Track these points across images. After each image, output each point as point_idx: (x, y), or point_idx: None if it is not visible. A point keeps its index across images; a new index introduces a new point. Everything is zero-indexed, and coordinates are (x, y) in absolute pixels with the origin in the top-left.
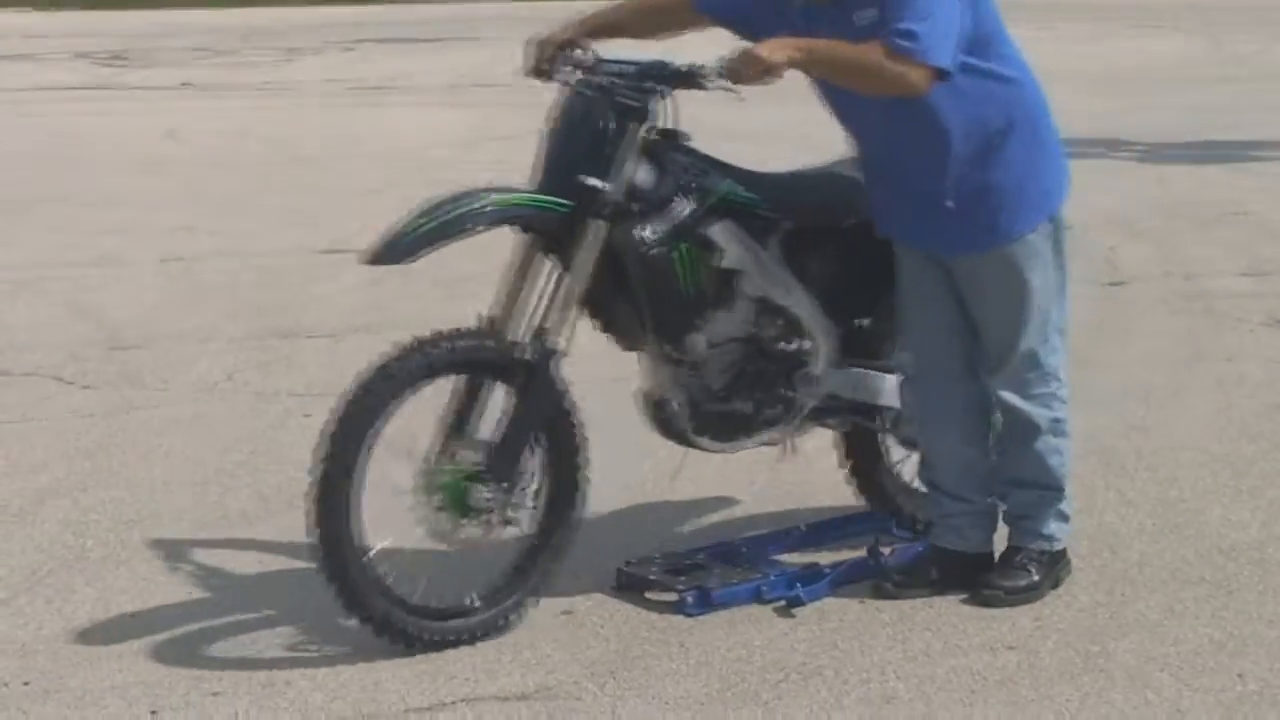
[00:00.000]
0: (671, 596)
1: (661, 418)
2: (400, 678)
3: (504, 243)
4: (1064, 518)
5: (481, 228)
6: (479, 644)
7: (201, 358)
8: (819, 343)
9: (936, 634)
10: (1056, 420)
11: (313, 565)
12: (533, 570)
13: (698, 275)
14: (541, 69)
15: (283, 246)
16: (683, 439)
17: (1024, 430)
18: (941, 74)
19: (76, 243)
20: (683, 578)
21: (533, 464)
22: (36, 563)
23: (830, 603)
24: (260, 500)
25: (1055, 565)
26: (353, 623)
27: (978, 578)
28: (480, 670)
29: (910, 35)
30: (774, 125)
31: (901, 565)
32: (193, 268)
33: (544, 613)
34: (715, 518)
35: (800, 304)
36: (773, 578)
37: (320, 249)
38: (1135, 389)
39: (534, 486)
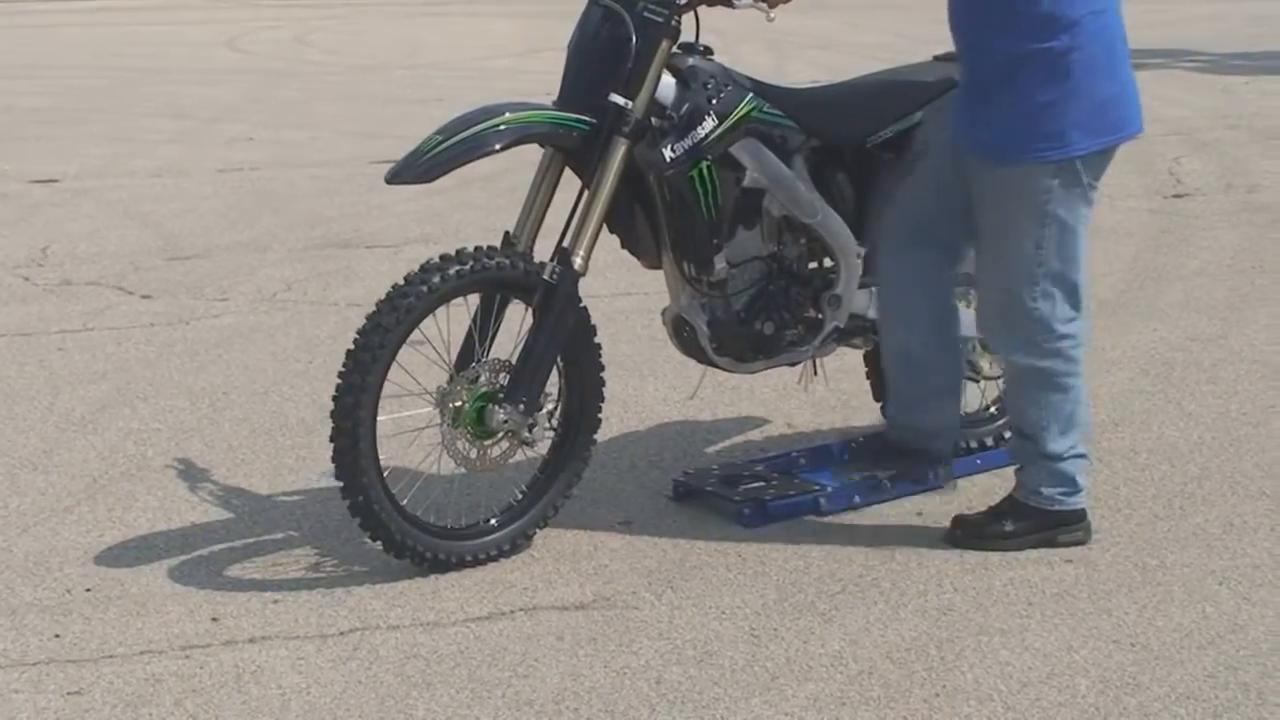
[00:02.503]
0: (729, 508)
1: (683, 337)
2: (460, 587)
3: None
4: (1062, 481)
5: (500, 146)
6: (537, 554)
7: (261, 268)
8: (844, 262)
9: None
10: (1039, 370)
11: None
12: (549, 490)
13: (720, 194)
14: None
15: (341, 157)
16: (704, 359)
17: (1006, 369)
18: None
19: (137, 153)
20: (740, 489)
21: (552, 385)
22: (98, 471)
23: (887, 515)
24: (319, 410)
25: (1048, 525)
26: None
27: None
28: (539, 580)
29: None
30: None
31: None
32: (252, 178)
33: (602, 523)
34: (772, 431)
35: (825, 223)
36: (831, 490)
37: (379, 159)
38: (1196, 301)
39: (551, 407)
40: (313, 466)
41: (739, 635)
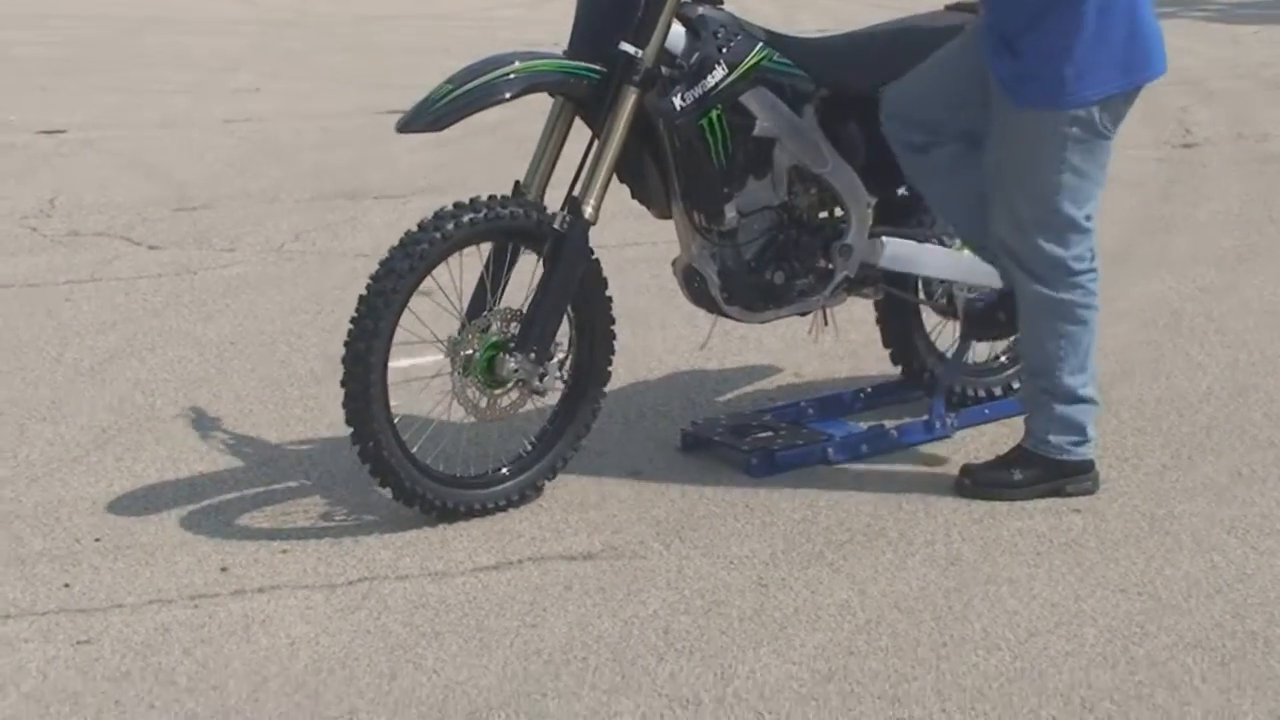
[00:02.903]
0: (737, 458)
1: (693, 287)
2: (468, 536)
3: None
4: (1071, 429)
5: (509, 95)
6: (545, 504)
7: (268, 218)
8: (854, 212)
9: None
10: (1057, 301)
11: None
12: (560, 441)
13: (730, 143)
14: None
15: (348, 107)
16: (714, 308)
17: (1023, 303)
18: None
19: (143, 103)
20: (748, 439)
21: (562, 334)
22: (106, 421)
23: (895, 465)
24: (327, 360)
25: (1056, 475)
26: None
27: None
28: (547, 530)
29: None
30: None
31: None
32: (259, 128)
33: (610, 473)
34: (781, 381)
35: (836, 172)
36: (838, 439)
37: (386, 109)
38: (1205, 251)
39: (561, 356)
40: (320, 417)
41: (747, 585)
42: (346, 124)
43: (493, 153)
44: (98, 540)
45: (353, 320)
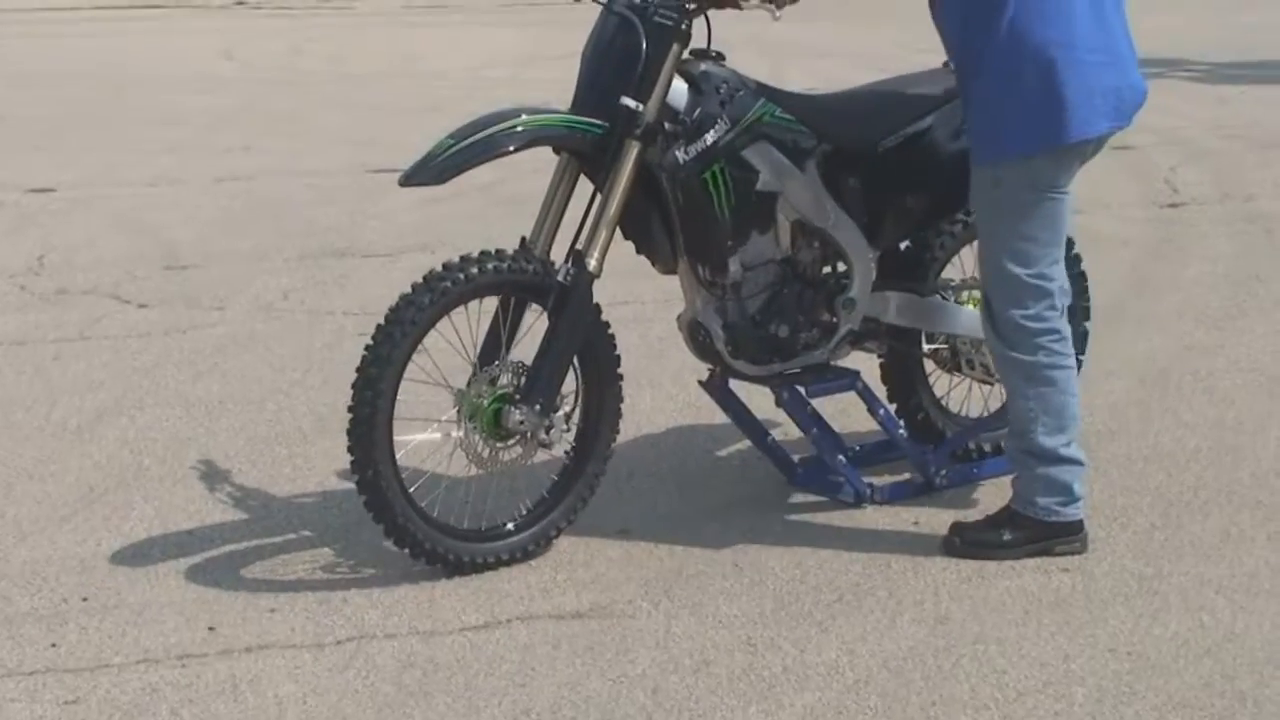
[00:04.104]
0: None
1: (698, 340)
2: (456, 596)
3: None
4: (1057, 490)
5: (513, 149)
6: (535, 563)
7: (257, 277)
8: (857, 266)
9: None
10: (1022, 363)
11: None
12: (567, 495)
13: (733, 197)
14: None
15: (338, 165)
16: (720, 362)
17: (994, 364)
18: None
19: (133, 162)
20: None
21: (568, 387)
22: (95, 480)
23: (883, 524)
24: (316, 419)
25: (1044, 535)
26: (389, 543)
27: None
28: (535, 589)
29: None
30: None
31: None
32: (249, 186)
33: (599, 532)
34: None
35: (838, 226)
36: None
37: (376, 168)
38: (1192, 310)
39: (567, 409)
40: (308, 475)
41: (736, 644)
42: (335, 182)
43: (483, 212)
44: (85, 599)
45: (367, 347)
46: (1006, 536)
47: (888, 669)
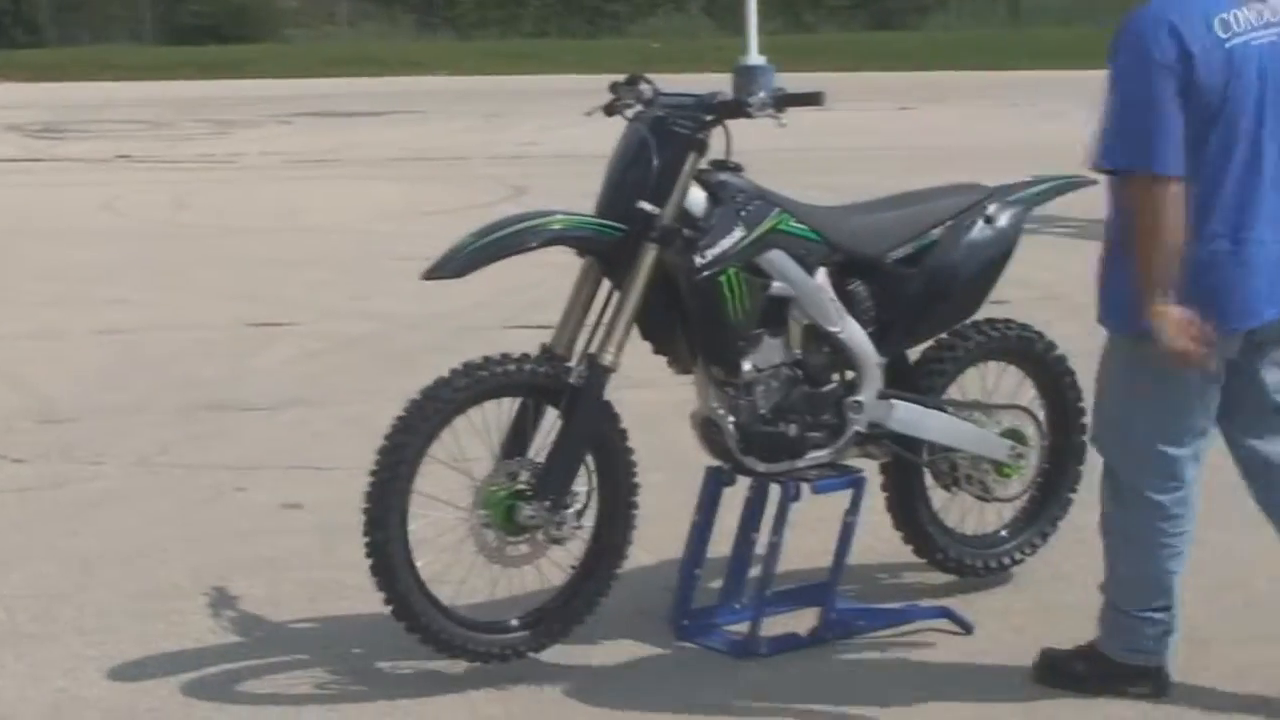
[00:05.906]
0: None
1: (710, 438)
2: None
3: (465, 316)
4: (1132, 637)
5: (535, 245)
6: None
7: (136, 431)
8: (865, 371)
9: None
10: (1116, 519)
11: (242, 637)
12: (579, 595)
13: (746, 301)
14: (613, 108)
15: (219, 319)
16: (731, 459)
17: (1101, 515)
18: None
19: (11, 315)
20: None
21: (581, 485)
22: None
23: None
24: (192, 575)
25: (1117, 676)
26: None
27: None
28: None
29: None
30: None
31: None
32: (129, 340)
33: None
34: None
35: (848, 333)
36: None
37: (257, 321)
38: None
39: (579, 506)
40: (185, 632)
41: None
42: (216, 335)
43: (362, 365)
44: None
45: (398, 417)
46: (1081, 669)
47: None
